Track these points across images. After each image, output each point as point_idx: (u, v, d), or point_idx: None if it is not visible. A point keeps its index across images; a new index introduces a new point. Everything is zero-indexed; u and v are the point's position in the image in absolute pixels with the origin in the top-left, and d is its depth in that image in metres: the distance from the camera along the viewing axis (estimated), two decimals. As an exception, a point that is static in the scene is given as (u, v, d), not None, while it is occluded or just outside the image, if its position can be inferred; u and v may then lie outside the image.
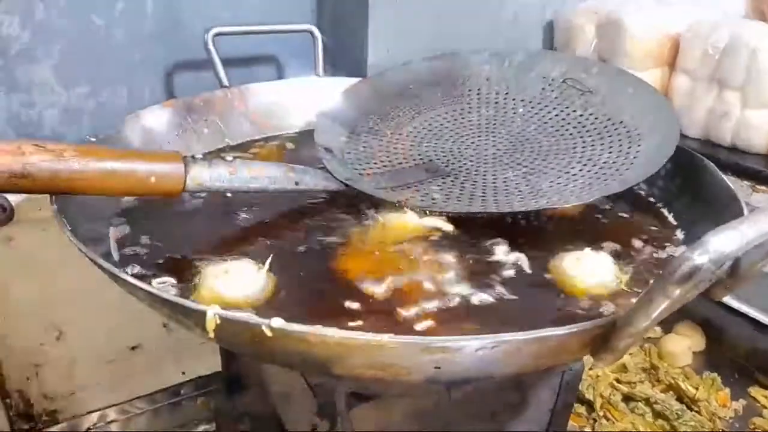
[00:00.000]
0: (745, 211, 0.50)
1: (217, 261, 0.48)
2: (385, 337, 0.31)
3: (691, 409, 0.87)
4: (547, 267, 0.50)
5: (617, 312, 0.33)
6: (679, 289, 0.29)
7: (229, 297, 0.43)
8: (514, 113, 0.73)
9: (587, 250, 0.51)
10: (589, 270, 0.48)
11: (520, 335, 0.32)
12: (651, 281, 0.32)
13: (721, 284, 0.38)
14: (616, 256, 0.52)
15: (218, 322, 0.33)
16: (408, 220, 0.57)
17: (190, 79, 0.96)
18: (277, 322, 0.32)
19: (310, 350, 0.33)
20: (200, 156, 0.68)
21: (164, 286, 0.44)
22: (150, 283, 0.43)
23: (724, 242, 0.28)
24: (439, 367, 0.34)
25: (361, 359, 0.34)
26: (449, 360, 0.33)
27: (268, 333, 0.32)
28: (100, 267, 0.39)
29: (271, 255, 0.48)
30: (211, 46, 0.77)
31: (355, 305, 0.44)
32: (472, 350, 0.32)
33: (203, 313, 0.33)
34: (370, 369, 0.35)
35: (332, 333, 0.31)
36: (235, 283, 0.45)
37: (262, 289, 0.45)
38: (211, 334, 0.34)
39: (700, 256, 0.28)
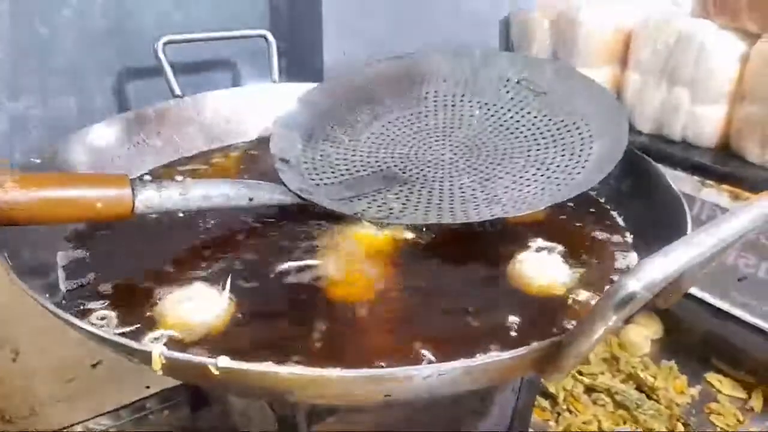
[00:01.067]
0: (689, 216, 0.51)
1: (175, 286, 0.47)
2: (334, 373, 0.31)
3: (650, 398, 0.89)
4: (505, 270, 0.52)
5: (561, 335, 0.34)
6: (616, 315, 0.30)
7: (192, 323, 0.43)
8: (471, 116, 0.74)
9: (543, 253, 0.54)
10: (542, 271, 0.51)
11: (465, 363, 0.32)
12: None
13: (663, 296, 0.40)
14: (566, 256, 0.54)
15: (164, 362, 0.33)
16: (369, 233, 0.57)
17: (142, 85, 0.93)
18: (224, 361, 0.32)
19: (261, 385, 0.33)
20: (149, 177, 0.67)
21: (111, 318, 0.43)
22: (95, 317, 0.42)
23: (655, 271, 0.29)
24: (389, 395, 0.34)
25: (311, 391, 0.34)
26: (398, 388, 0.33)
27: (215, 372, 0.32)
28: (46, 308, 0.38)
29: (230, 276, 0.47)
30: (161, 55, 0.75)
31: (320, 324, 0.44)
32: (420, 379, 0.33)
33: (149, 353, 0.33)
34: (323, 398, 0.35)
35: (279, 370, 0.31)
36: (197, 308, 0.44)
37: (223, 312, 0.45)
38: (160, 372, 0.34)
39: (635, 284, 0.29)
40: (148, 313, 0.44)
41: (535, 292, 0.49)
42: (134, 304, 0.45)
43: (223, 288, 0.46)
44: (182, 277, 0.49)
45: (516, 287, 0.50)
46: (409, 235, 0.58)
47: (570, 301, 0.48)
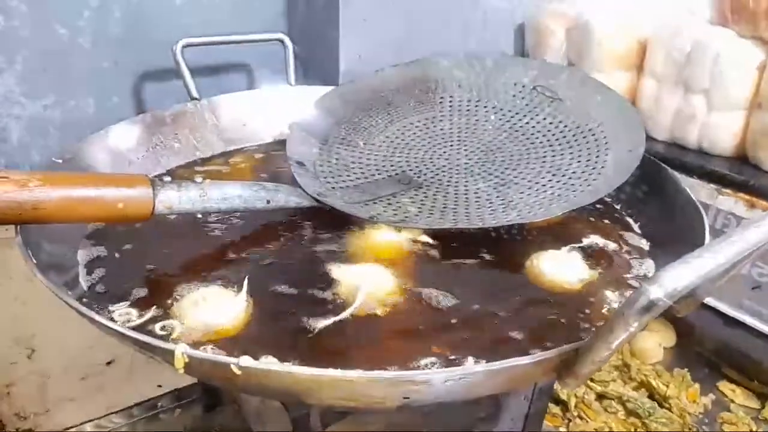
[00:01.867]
0: (706, 224, 0.51)
1: (194, 287, 0.47)
2: (354, 374, 0.32)
3: (662, 406, 0.89)
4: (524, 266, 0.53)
5: (581, 341, 0.34)
6: (637, 322, 0.30)
7: (211, 322, 0.43)
8: (486, 121, 0.74)
9: (563, 249, 0.55)
10: (563, 268, 0.53)
11: (486, 366, 0.32)
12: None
13: (681, 304, 0.40)
14: (584, 258, 0.55)
15: (186, 360, 0.33)
16: (387, 238, 0.58)
17: (159, 87, 0.94)
18: (246, 360, 0.32)
19: (281, 386, 0.33)
20: (168, 178, 0.67)
21: (132, 315, 0.44)
22: (116, 314, 0.43)
23: (677, 279, 0.29)
24: (407, 398, 0.34)
25: (331, 393, 0.34)
26: (417, 391, 0.34)
27: (237, 371, 0.32)
28: (68, 304, 0.38)
29: (247, 278, 0.48)
30: (179, 58, 0.76)
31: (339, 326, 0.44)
32: (440, 382, 0.33)
33: (171, 351, 0.33)
34: (341, 400, 0.35)
35: (301, 371, 0.31)
36: (215, 309, 0.44)
37: (241, 313, 0.45)
38: (181, 371, 0.34)
39: (657, 291, 0.29)
40: (167, 312, 0.44)
41: (550, 287, 0.51)
42: (154, 303, 0.46)
43: (240, 289, 0.46)
44: (201, 277, 0.49)
45: (534, 284, 0.51)
46: (427, 239, 0.58)
47: (591, 299, 0.49)
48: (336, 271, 0.51)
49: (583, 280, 0.52)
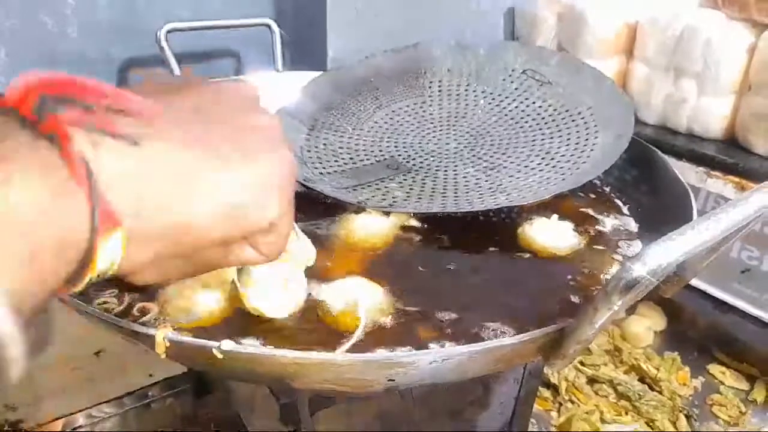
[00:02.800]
0: (694, 206, 0.51)
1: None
2: (338, 356, 0.31)
3: (653, 389, 0.90)
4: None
5: (566, 320, 0.34)
6: (621, 300, 0.30)
7: (197, 309, 0.42)
8: (475, 105, 0.74)
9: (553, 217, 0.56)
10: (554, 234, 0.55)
11: (469, 348, 0.32)
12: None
13: (668, 284, 0.40)
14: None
15: (167, 345, 0.33)
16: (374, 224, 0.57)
17: (147, 74, 0.93)
18: (227, 344, 0.32)
19: (264, 369, 0.33)
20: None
21: (113, 304, 0.43)
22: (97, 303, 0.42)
23: (662, 255, 0.29)
24: (393, 380, 0.34)
25: (315, 376, 0.34)
26: (403, 373, 0.33)
27: (219, 355, 0.32)
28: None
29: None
30: (164, 43, 0.75)
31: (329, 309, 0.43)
32: (425, 364, 0.33)
33: (152, 337, 0.33)
34: (326, 383, 0.35)
35: (284, 354, 0.31)
36: (203, 295, 0.44)
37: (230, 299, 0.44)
38: (163, 355, 0.34)
39: (640, 269, 0.29)
40: (152, 298, 0.44)
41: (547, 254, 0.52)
42: (138, 289, 0.45)
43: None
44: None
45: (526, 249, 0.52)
46: (415, 224, 0.58)
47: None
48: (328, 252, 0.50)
49: (572, 248, 0.53)
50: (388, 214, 0.58)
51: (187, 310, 0.42)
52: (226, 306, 0.43)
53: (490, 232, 0.56)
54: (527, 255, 0.52)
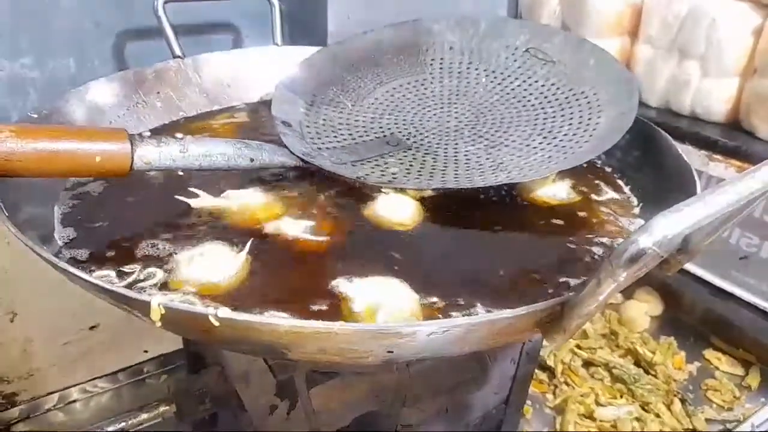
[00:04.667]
0: (698, 184, 0.50)
1: (186, 244, 0.46)
2: (336, 325, 0.31)
3: (648, 373, 0.90)
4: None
5: (567, 294, 0.33)
6: (626, 272, 0.29)
7: (206, 281, 0.42)
8: (477, 83, 0.72)
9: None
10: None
11: (469, 319, 0.32)
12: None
13: (672, 260, 0.39)
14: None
15: (163, 312, 0.32)
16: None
17: (142, 47, 0.91)
18: (224, 311, 0.31)
19: (261, 338, 0.33)
20: (148, 134, 0.65)
21: (108, 274, 0.42)
22: (95, 269, 0.42)
23: (668, 226, 0.28)
24: (391, 351, 0.33)
25: (312, 346, 0.33)
26: (401, 344, 0.33)
27: (215, 323, 0.31)
28: (42, 257, 0.37)
29: (251, 240, 0.46)
30: (162, 14, 0.74)
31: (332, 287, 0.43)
32: (424, 335, 0.32)
33: (147, 303, 0.32)
34: (323, 354, 0.34)
35: (281, 322, 0.31)
36: (211, 267, 0.43)
37: (237, 272, 0.43)
38: (158, 324, 0.33)
39: (646, 240, 0.28)
40: (158, 266, 0.43)
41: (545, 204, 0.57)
42: (139, 259, 0.44)
43: (244, 249, 0.45)
44: (189, 234, 0.48)
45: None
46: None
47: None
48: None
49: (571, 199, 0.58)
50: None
51: (196, 282, 0.42)
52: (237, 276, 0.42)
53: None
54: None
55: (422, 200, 0.56)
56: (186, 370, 0.72)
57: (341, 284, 0.42)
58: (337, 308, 0.40)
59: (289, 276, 0.44)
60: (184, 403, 0.58)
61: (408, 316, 0.39)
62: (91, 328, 0.82)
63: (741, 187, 0.32)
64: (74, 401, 0.76)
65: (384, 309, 0.39)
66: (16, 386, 0.75)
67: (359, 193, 0.57)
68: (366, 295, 0.40)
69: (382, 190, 0.57)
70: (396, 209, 0.54)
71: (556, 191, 0.60)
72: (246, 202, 0.54)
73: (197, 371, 0.66)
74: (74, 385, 0.77)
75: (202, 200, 0.52)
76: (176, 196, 0.51)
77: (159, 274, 0.43)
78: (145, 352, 0.81)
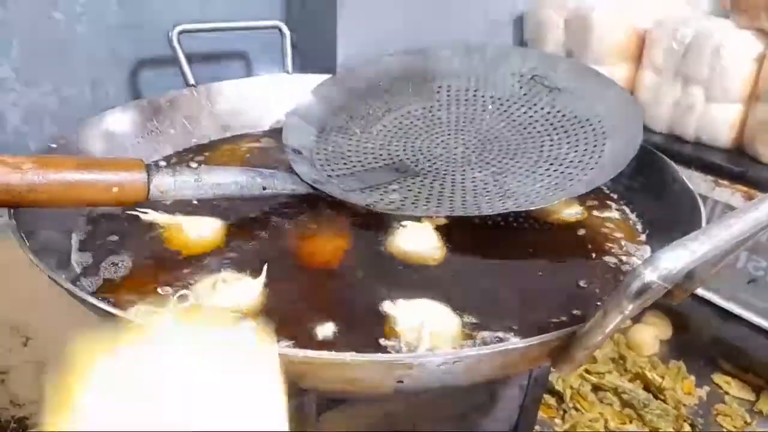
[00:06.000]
0: (703, 212, 0.51)
1: (204, 273, 0.47)
2: (347, 356, 0.31)
3: (657, 398, 0.89)
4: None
5: (575, 326, 0.34)
6: (632, 305, 0.30)
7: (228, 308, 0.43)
8: (483, 111, 0.74)
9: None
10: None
11: (480, 350, 0.32)
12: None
13: (677, 290, 0.39)
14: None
15: (180, 342, 0.33)
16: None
17: (156, 75, 0.94)
18: (239, 342, 0.32)
19: (274, 368, 0.33)
20: (164, 163, 0.67)
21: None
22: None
23: (673, 261, 0.29)
24: (401, 381, 0.34)
25: (325, 376, 0.34)
26: (412, 375, 0.33)
27: (230, 353, 0.32)
28: (61, 286, 0.38)
29: (266, 264, 0.47)
30: (176, 44, 0.76)
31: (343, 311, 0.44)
32: (434, 366, 0.33)
33: (165, 334, 0.33)
34: (335, 384, 0.35)
35: (294, 352, 0.31)
36: (232, 293, 0.44)
37: (256, 298, 0.45)
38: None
39: (651, 274, 0.29)
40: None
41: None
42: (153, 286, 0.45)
43: (261, 275, 0.46)
44: (206, 263, 0.49)
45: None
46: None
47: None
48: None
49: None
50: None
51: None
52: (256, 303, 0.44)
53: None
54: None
55: (437, 227, 0.57)
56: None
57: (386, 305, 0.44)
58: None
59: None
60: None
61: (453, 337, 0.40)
62: (103, 351, 0.82)
63: (746, 219, 0.33)
64: (84, 425, 0.77)
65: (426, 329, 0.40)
66: (28, 410, 0.76)
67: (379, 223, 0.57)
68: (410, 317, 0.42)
69: (402, 223, 0.57)
70: (419, 241, 0.55)
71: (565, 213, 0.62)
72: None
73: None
74: (85, 409, 0.77)
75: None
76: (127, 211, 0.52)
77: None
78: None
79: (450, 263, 0.52)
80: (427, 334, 0.39)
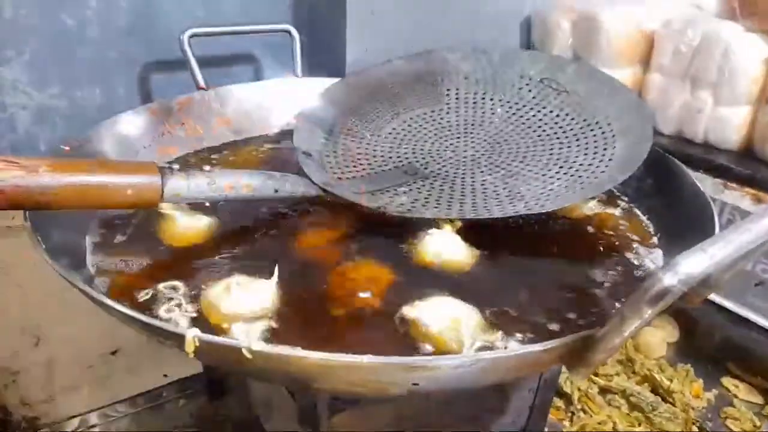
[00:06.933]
0: (715, 215, 0.51)
1: (214, 276, 0.47)
2: (364, 358, 0.32)
3: (666, 401, 0.89)
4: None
5: (593, 329, 0.34)
6: (650, 309, 0.30)
7: (240, 311, 0.43)
8: (492, 113, 0.74)
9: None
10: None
11: (495, 354, 0.32)
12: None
13: (693, 293, 0.39)
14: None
15: (197, 344, 0.33)
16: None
17: (166, 78, 0.94)
18: (258, 344, 0.32)
19: (291, 370, 0.33)
20: (177, 166, 0.67)
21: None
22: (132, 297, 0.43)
23: (693, 265, 0.29)
24: (417, 384, 0.34)
25: (341, 378, 0.34)
26: (427, 377, 0.34)
27: (248, 355, 0.32)
28: (78, 288, 0.38)
29: (277, 265, 0.47)
30: (186, 48, 0.76)
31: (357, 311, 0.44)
32: (450, 368, 0.33)
33: (182, 336, 0.33)
34: (351, 386, 0.35)
35: (312, 355, 0.31)
36: (245, 296, 0.44)
37: (270, 299, 0.45)
38: (191, 355, 0.34)
39: (670, 279, 0.29)
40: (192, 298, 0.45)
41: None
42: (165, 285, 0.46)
43: (273, 276, 0.46)
44: (218, 266, 0.49)
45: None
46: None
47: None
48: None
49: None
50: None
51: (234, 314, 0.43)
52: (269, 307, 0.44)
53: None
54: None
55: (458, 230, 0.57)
56: (206, 396, 0.73)
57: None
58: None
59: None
60: (207, 429, 0.59)
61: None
62: (113, 353, 0.83)
63: (764, 223, 0.33)
64: (94, 425, 0.77)
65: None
66: (38, 410, 0.76)
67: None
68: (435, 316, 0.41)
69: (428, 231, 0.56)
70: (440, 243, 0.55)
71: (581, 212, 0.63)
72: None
73: (217, 397, 0.67)
74: (95, 409, 0.78)
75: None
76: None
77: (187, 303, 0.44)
78: (165, 376, 0.81)
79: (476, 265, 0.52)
80: (467, 329, 0.39)
